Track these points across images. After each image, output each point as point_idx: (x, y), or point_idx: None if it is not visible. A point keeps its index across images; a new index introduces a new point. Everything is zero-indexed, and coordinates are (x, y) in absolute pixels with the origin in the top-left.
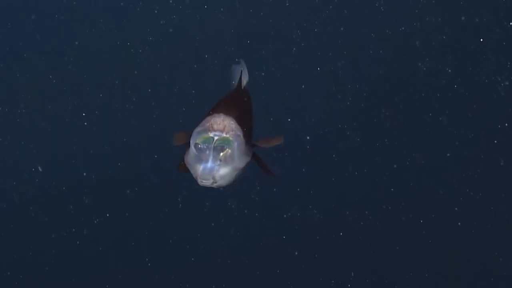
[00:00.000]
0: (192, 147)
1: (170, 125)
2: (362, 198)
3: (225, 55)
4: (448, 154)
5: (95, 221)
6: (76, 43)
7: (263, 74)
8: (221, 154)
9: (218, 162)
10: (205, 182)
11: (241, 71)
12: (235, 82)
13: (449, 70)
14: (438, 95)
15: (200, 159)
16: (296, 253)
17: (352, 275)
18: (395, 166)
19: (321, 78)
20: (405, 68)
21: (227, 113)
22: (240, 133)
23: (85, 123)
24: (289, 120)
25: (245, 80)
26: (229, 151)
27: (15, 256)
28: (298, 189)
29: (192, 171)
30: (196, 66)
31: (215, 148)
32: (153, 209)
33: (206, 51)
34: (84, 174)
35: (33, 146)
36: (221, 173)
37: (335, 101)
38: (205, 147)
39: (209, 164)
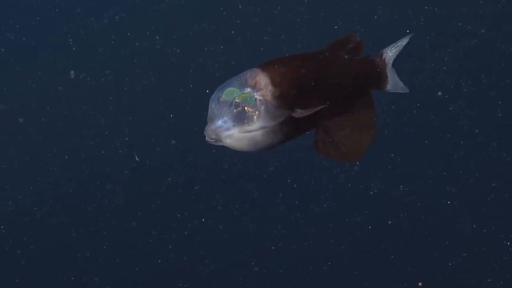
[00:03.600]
0: (213, 99)
1: None
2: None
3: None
4: None
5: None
6: (149, 30)
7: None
8: (235, 111)
9: (225, 119)
10: (208, 139)
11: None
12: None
13: None
14: None
15: (216, 114)
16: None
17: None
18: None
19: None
20: None
21: (269, 68)
22: (270, 93)
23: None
24: None
25: (385, 53)
26: (248, 109)
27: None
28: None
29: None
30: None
31: (232, 104)
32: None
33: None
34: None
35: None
36: (229, 133)
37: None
38: (225, 100)
39: (218, 121)
